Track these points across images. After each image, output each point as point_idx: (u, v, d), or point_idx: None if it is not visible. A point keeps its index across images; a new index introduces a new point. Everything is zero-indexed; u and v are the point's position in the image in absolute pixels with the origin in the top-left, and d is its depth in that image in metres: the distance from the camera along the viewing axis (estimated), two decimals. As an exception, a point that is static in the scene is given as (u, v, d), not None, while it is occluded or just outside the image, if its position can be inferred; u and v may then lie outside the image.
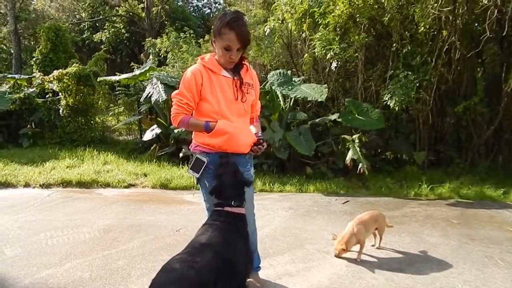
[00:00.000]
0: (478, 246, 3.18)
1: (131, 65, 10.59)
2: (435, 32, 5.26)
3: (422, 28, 4.89)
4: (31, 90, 8.73)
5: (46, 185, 5.15)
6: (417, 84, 5.14)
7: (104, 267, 2.85)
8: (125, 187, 5.19)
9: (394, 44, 5.33)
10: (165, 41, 9.82)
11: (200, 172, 2.16)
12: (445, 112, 5.72)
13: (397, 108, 5.10)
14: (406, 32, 5.34)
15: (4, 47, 19.97)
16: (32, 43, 19.43)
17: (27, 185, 5.18)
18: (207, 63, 2.17)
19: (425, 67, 5.29)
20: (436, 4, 4.76)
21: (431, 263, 2.90)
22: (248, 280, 2.47)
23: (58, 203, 4.50)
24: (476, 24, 5.44)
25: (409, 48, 5.32)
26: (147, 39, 12.05)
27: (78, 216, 3.97)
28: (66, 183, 5.20)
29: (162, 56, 10.03)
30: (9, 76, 9.84)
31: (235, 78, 2.19)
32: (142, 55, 15.81)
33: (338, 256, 2.92)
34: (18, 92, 8.62)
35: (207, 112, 2.16)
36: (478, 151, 5.70)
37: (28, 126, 8.51)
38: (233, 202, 1.92)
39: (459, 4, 4.86)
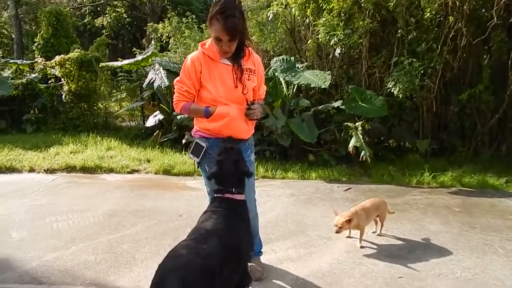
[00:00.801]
0: (478, 234, 3.20)
1: (133, 50, 10.51)
2: (441, 18, 5.17)
3: (428, 14, 4.80)
4: (33, 75, 8.70)
5: (51, 170, 5.19)
6: (422, 72, 5.08)
7: (109, 250, 2.91)
8: (129, 172, 5.23)
9: (399, 30, 5.24)
10: (167, 26, 9.69)
11: (200, 157, 2.23)
12: (449, 100, 5.67)
13: (401, 96, 5.05)
14: (412, 18, 5.24)
15: (5, 32, 19.81)
16: (33, 27, 19.24)
17: (31, 170, 5.22)
18: (207, 50, 2.17)
19: (430, 54, 5.22)
20: (443, -11, 4.67)
21: (431, 250, 2.93)
22: (250, 264, 2.53)
23: (63, 188, 4.55)
24: (483, 10, 5.33)
25: (414, 34, 5.23)
26: (148, 24, 11.90)
27: (82, 201, 4.02)
28: (70, 168, 5.24)
29: (164, 41, 9.94)
30: (11, 61, 9.81)
31: (234, 65, 2.18)
32: (144, 40, 15.67)
33: (339, 231, 2.84)
34: (21, 78, 8.60)
35: (207, 100, 2.20)
36: (481, 140, 5.67)
37: (31, 111, 8.52)
38: (234, 189, 1.94)
39: (467, -11, 4.76)
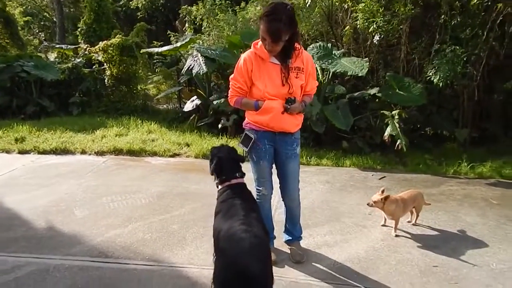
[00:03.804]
0: (516, 227, 3.22)
1: (167, 33, 10.75)
2: (489, 3, 4.94)
3: (475, 0, 4.62)
4: (78, 60, 9.20)
5: (100, 153, 5.58)
6: (465, 59, 4.94)
7: (161, 230, 3.22)
8: (171, 156, 5.53)
9: (443, 16, 5.09)
10: (201, 8, 9.79)
11: (249, 147, 2.49)
12: (493, 88, 5.49)
13: (441, 84, 4.96)
14: (457, 2, 5.05)
15: (47, 15, 20.70)
16: (72, 10, 19.95)
17: (83, 152, 5.63)
18: (258, 50, 2.36)
19: (474, 40, 5.04)
20: (492, -27, 4.46)
21: (466, 242, 3.01)
22: (291, 248, 2.76)
23: (113, 169, 4.93)
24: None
25: (458, 19, 5.06)
26: (182, 6, 12.05)
27: (132, 183, 4.37)
28: (117, 151, 5.60)
29: (197, 24, 10.06)
30: (57, 46, 10.37)
31: (282, 65, 2.35)
32: (177, 22, 15.87)
33: (371, 206, 3.04)
34: (66, 62, 9.12)
35: (257, 96, 2.43)
36: (525, 130, 5.49)
37: (77, 95, 9.05)
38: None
39: (518, -27, 4.51)
